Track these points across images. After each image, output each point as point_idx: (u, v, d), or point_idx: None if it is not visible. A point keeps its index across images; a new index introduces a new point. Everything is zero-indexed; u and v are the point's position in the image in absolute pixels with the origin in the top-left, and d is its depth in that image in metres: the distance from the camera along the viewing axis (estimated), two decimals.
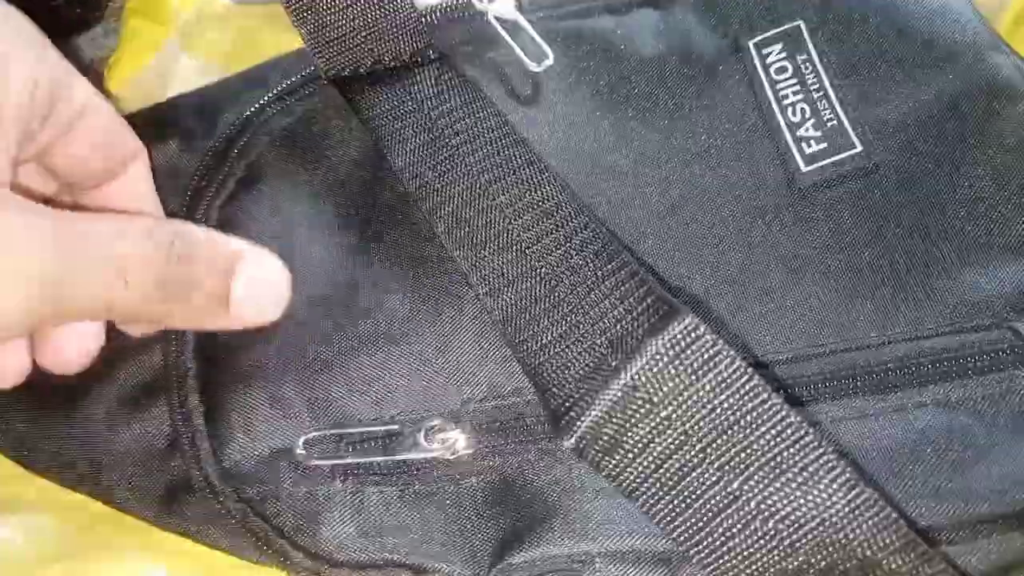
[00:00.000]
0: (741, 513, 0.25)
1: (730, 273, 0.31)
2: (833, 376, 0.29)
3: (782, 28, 0.34)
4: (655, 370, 0.25)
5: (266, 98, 0.33)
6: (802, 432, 0.25)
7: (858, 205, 0.31)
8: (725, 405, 0.25)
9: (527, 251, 0.29)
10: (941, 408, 0.29)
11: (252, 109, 0.33)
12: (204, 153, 0.33)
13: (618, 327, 0.27)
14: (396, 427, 0.29)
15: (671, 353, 0.25)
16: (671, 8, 0.35)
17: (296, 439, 0.29)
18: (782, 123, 0.32)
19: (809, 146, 0.32)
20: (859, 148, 0.31)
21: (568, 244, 0.29)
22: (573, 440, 0.26)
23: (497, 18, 0.33)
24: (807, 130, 0.32)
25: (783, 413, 0.25)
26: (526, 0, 0.34)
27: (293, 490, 0.29)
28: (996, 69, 0.32)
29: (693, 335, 0.25)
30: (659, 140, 0.33)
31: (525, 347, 0.28)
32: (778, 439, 0.25)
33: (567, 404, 0.26)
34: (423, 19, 0.33)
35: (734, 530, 0.25)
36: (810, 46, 0.33)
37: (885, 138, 0.32)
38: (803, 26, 0.33)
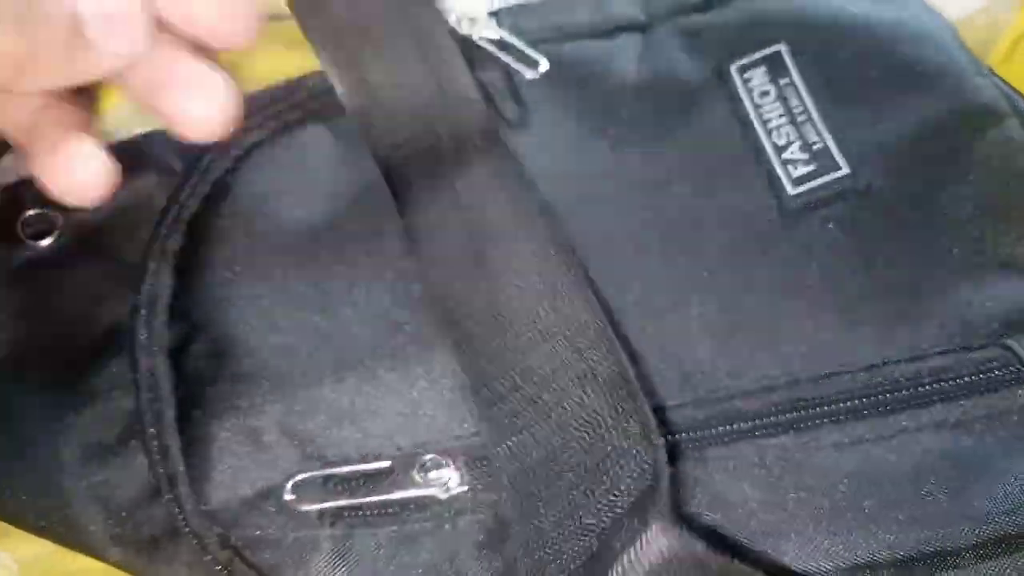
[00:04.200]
0: None
1: (723, 298, 0.30)
2: (832, 400, 0.29)
3: (764, 52, 0.34)
4: None
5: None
6: None
7: (847, 226, 0.31)
8: None
9: (544, 393, 0.27)
10: (941, 431, 0.28)
11: None
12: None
13: (608, 515, 0.25)
14: (387, 463, 0.28)
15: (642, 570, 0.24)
16: (653, 33, 0.35)
17: (281, 478, 0.28)
18: (768, 147, 0.32)
19: (796, 169, 0.32)
20: (846, 170, 0.31)
21: (587, 389, 0.27)
22: None
23: (483, 38, 0.32)
24: (793, 153, 0.32)
25: None
26: (507, 24, 0.33)
27: (281, 536, 0.28)
28: (978, 91, 0.32)
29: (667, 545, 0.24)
30: (646, 165, 0.32)
31: (525, 508, 0.26)
32: None
33: None
34: (489, 99, 0.32)
35: None
36: (793, 70, 0.33)
37: (871, 160, 0.32)
38: (785, 50, 0.33)
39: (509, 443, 0.27)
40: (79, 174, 0.24)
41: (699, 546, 0.23)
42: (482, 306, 0.29)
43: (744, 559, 0.26)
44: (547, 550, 0.26)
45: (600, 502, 0.26)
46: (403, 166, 0.31)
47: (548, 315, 0.28)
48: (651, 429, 0.26)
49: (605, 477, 0.26)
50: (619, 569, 0.23)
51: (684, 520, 0.25)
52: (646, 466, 0.26)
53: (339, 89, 0.31)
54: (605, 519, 0.25)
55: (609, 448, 0.26)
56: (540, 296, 0.28)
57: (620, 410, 0.27)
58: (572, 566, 0.25)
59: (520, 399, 0.27)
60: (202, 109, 0.23)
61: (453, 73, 0.31)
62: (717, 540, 0.26)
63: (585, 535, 0.25)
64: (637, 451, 0.26)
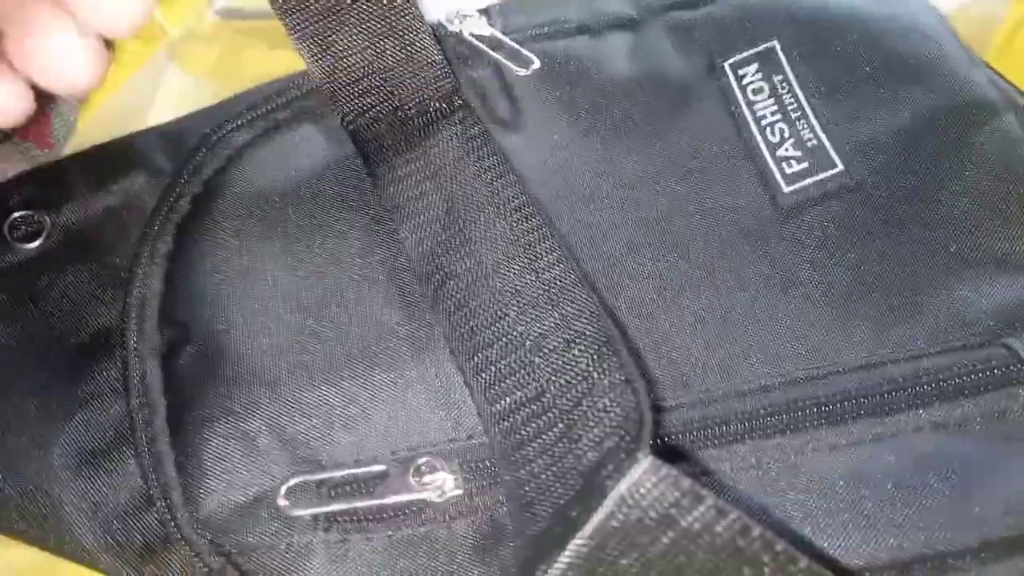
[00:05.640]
0: None
1: (717, 297, 0.30)
2: (828, 401, 0.28)
3: (757, 48, 0.33)
4: (613, 524, 0.23)
5: (227, 116, 0.32)
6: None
7: (842, 224, 0.31)
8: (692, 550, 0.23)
9: (530, 354, 0.28)
10: (939, 431, 0.28)
11: (211, 128, 0.32)
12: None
13: (593, 454, 0.26)
14: (382, 467, 0.28)
15: (630, 502, 0.23)
16: (644, 30, 0.34)
17: (274, 484, 0.28)
18: (761, 144, 0.32)
19: (790, 166, 0.31)
20: (840, 167, 0.31)
21: (572, 347, 0.28)
22: None
23: (474, 35, 0.32)
24: (787, 150, 0.32)
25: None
26: (499, 23, 0.33)
27: (275, 542, 0.28)
28: (972, 85, 0.32)
29: (655, 479, 0.23)
30: (639, 163, 0.32)
31: (512, 458, 0.27)
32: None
33: (534, 554, 0.25)
34: (448, 63, 0.31)
35: None
36: (786, 66, 0.33)
37: (865, 156, 0.31)
38: (778, 46, 0.33)
39: (500, 405, 0.27)
40: (67, 55, 0.23)
41: (685, 479, 0.23)
42: (466, 275, 0.29)
43: None
44: (536, 491, 0.26)
45: (587, 444, 0.26)
46: (371, 132, 0.31)
47: (531, 282, 0.28)
48: (634, 377, 0.26)
49: (592, 422, 0.26)
50: (609, 502, 0.23)
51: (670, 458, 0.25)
52: (630, 410, 0.26)
53: (305, 58, 0.31)
54: (592, 458, 0.25)
55: (595, 398, 0.26)
56: (520, 263, 0.29)
57: (605, 365, 0.27)
58: (560, 502, 0.25)
59: (511, 364, 0.28)
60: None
61: (416, 39, 0.31)
62: None
63: (572, 475, 0.26)
64: (622, 397, 0.26)
